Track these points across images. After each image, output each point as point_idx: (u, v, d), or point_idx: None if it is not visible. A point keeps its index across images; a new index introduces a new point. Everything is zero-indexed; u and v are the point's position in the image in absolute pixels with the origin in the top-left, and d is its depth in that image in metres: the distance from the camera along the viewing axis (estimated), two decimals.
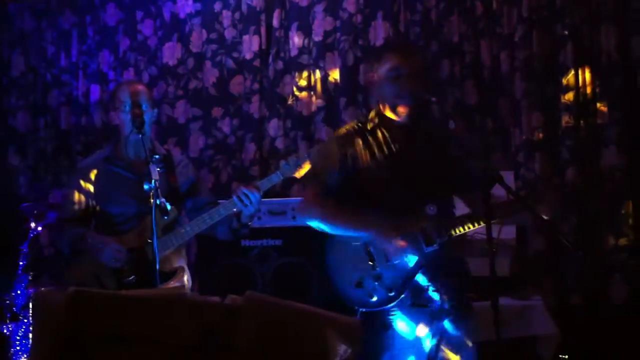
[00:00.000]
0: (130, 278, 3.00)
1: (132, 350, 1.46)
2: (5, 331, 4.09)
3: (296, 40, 5.02)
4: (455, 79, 4.74)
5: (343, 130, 2.86)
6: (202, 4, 5.19)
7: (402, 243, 2.59)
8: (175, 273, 3.07)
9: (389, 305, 2.61)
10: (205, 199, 3.27)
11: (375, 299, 2.61)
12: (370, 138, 2.78)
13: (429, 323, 2.63)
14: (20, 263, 4.28)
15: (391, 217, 2.64)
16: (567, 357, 3.90)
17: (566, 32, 4.48)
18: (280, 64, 5.06)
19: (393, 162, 2.73)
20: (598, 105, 4.44)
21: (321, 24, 4.98)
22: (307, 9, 5.02)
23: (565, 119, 4.45)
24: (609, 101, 4.42)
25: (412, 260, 2.61)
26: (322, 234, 2.80)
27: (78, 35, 5.41)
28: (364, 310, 2.63)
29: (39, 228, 4.39)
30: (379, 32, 4.86)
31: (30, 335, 4.15)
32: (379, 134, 2.78)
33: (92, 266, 3.05)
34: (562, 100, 4.47)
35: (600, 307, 4.27)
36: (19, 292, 4.24)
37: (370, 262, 2.64)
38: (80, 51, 5.40)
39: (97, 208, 3.21)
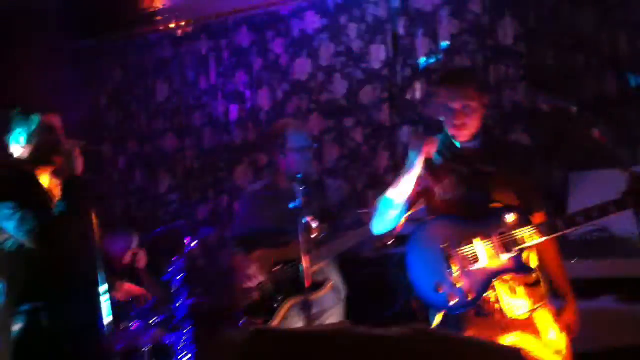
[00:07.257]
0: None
1: None
2: (167, 342, 4.40)
3: (423, 46, 5.04)
4: (592, 71, 4.59)
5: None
6: (328, 19, 5.34)
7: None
8: (323, 284, 3.52)
9: (467, 308, 2.66)
10: (352, 220, 3.62)
11: (453, 302, 2.66)
12: (439, 163, 2.93)
13: (500, 330, 2.66)
14: (179, 277, 4.58)
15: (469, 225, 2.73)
16: None
17: None
18: (408, 71, 5.11)
19: (465, 186, 2.82)
20: None
21: (447, 27, 4.98)
22: (432, 14, 5.02)
23: None
24: None
25: (491, 266, 2.65)
26: None
27: (215, 58, 5.73)
28: (443, 313, 2.69)
29: (193, 243, 4.68)
30: (508, 30, 4.79)
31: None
32: (447, 159, 2.91)
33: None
34: None
35: None
36: (178, 304, 4.54)
37: (449, 267, 2.68)
38: (218, 73, 5.71)
39: (261, 226, 3.69)
